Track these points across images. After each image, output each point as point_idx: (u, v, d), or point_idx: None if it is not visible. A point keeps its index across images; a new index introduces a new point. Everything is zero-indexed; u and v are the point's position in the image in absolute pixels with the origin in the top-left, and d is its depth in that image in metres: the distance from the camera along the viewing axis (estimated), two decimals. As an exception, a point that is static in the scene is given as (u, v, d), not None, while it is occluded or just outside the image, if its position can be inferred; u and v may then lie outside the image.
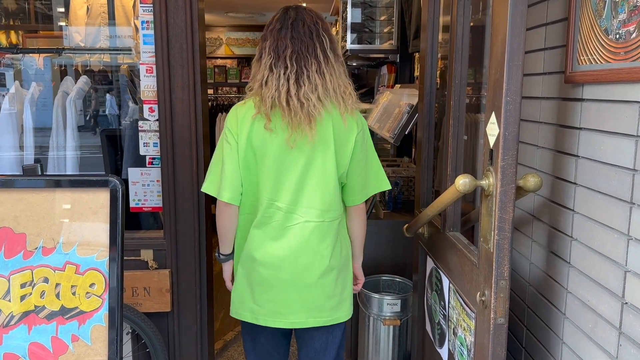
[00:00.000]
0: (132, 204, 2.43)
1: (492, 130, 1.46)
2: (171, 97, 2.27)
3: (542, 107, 1.74)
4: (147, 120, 2.37)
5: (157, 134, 2.34)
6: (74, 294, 1.49)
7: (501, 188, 1.43)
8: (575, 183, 1.53)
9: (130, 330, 2.37)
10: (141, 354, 2.42)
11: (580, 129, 1.50)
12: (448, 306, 1.99)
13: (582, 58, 1.45)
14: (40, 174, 1.57)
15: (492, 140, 1.47)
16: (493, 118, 1.46)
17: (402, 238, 2.95)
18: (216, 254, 1.92)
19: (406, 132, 2.81)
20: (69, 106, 2.47)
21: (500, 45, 1.39)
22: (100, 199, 1.48)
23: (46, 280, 1.48)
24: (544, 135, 1.73)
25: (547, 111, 1.71)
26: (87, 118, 2.71)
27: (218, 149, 1.80)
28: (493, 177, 1.45)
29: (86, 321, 1.49)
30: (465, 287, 1.75)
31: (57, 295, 1.48)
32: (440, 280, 2.10)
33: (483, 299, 1.55)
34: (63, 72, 2.74)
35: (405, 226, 2.35)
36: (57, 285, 1.48)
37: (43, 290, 1.48)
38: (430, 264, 2.28)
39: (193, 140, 2.30)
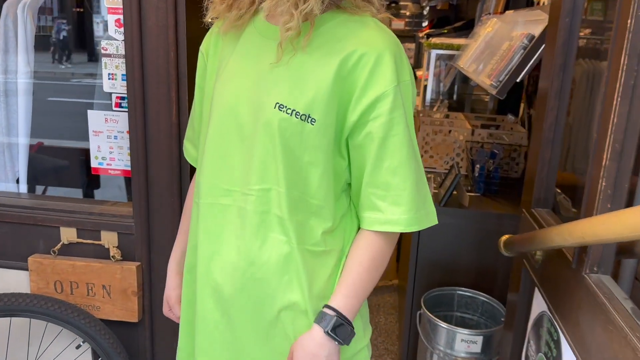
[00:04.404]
0: (93, 164, 1.68)
1: None
2: (140, 4, 1.44)
3: None
4: (113, 39, 1.57)
5: (127, 60, 1.53)
6: None
7: None
8: None
9: (81, 343, 1.67)
10: (102, 372, 1.73)
11: None
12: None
13: None
14: None
15: None
16: None
17: (495, 236, 2.02)
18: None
19: (518, 80, 1.83)
20: (22, 15, 1.74)
21: None
22: None
23: None
24: None
25: None
26: (48, 36, 1.97)
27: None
28: None
29: None
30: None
31: None
32: (558, 344, 1.20)
33: None
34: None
35: (504, 239, 1.43)
36: None
37: None
38: (540, 304, 1.37)
39: (172, 73, 1.47)
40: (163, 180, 1.58)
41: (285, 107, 0.98)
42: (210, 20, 1.10)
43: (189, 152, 1.27)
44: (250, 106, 1.02)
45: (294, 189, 1.01)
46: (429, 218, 1.02)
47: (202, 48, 1.18)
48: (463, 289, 1.98)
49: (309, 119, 0.97)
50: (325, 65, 0.97)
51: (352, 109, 0.98)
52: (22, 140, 1.83)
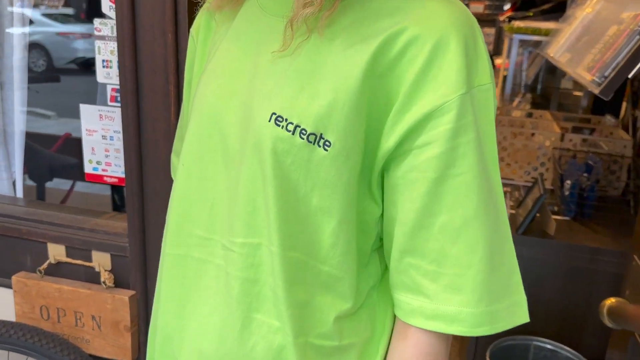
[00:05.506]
0: (87, 169, 1.41)
1: None
2: (131, -30, 1.13)
3: None
4: (108, 18, 1.27)
5: (124, 44, 1.23)
6: None
7: None
8: None
9: (67, 381, 1.42)
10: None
11: None
12: None
13: None
14: None
15: None
16: None
17: (587, 275, 1.60)
18: None
19: (630, 75, 1.38)
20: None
21: None
22: None
23: None
24: None
25: None
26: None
27: None
28: None
29: None
30: None
31: None
32: None
33: None
34: None
35: (610, 305, 1.01)
36: None
37: None
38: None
39: (170, 60, 1.16)
40: (161, 192, 1.27)
41: (286, 120, 0.61)
42: None
43: (177, 169, 0.96)
44: (241, 115, 0.66)
45: (294, 249, 0.64)
46: (515, 314, 0.63)
47: (192, 30, 0.85)
48: (542, 339, 1.56)
49: (321, 140, 0.61)
50: (351, 56, 0.60)
51: (390, 129, 0.60)
52: (18, 131, 1.59)
